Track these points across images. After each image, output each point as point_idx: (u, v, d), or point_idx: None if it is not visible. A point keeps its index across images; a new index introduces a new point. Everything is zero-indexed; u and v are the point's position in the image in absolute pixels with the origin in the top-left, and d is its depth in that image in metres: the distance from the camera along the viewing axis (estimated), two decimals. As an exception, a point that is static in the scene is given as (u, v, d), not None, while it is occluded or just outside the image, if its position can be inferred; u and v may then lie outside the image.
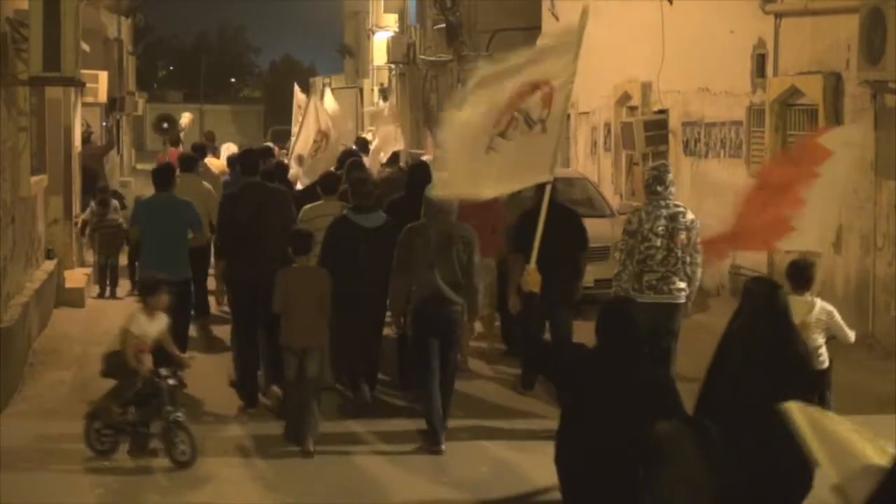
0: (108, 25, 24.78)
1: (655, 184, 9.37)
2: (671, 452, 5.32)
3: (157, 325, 8.85)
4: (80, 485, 8.28)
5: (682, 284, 9.21)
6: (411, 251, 9.05)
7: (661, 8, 16.86)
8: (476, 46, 27.70)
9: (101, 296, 15.66)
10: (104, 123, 25.03)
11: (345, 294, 9.26)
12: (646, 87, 17.82)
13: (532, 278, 6.39)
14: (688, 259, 9.18)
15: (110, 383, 8.93)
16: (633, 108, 18.52)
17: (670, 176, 9.42)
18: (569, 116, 21.81)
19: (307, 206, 11.05)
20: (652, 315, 8.70)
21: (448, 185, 7.38)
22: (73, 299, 14.76)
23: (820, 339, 8.22)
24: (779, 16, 13.86)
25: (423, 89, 32.95)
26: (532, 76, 6.73)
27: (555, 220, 9.37)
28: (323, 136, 14.74)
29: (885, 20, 11.06)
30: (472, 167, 6.89)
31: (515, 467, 8.68)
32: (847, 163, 6.79)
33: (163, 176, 11.28)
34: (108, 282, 15.79)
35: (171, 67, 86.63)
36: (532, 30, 24.63)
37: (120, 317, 13.90)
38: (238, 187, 10.68)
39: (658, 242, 9.13)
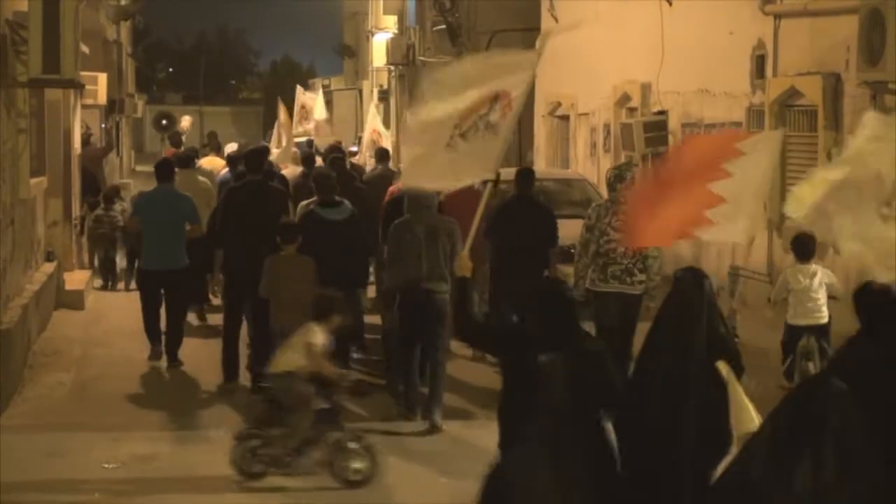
0: (107, 27, 24.77)
1: (616, 181, 10.27)
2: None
3: (324, 342, 8.31)
4: (79, 486, 8.28)
5: (643, 277, 9.98)
6: (401, 245, 9.72)
7: (660, 9, 16.86)
8: (475, 48, 27.67)
9: (104, 287, 16.47)
10: (103, 125, 25.03)
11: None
12: (645, 88, 17.82)
13: (463, 264, 6.72)
14: (647, 252, 9.79)
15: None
16: (632, 109, 18.51)
17: (631, 174, 10.37)
18: (568, 117, 21.85)
19: (303, 203, 11.81)
20: (616, 303, 9.94)
21: (412, 176, 7.96)
22: (72, 301, 14.75)
23: (823, 299, 10.04)
24: (778, 17, 13.86)
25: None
26: (496, 87, 7.22)
27: (527, 215, 10.87)
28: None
29: (884, 21, 11.05)
30: (432, 161, 7.43)
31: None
32: (762, 164, 6.89)
33: (164, 170, 12.03)
34: (109, 275, 16.63)
35: (171, 69, 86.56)
36: (531, 31, 24.59)
37: (119, 319, 14.04)
38: (240, 182, 11.37)
39: (616, 237, 9.65)
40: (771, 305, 10.75)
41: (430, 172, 7.57)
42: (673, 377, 5.70)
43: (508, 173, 11.96)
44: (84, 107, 19.46)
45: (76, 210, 16.79)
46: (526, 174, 11.88)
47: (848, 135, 12.36)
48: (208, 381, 11.23)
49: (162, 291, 11.76)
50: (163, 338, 11.82)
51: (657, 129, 17.01)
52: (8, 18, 11.21)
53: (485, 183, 7.44)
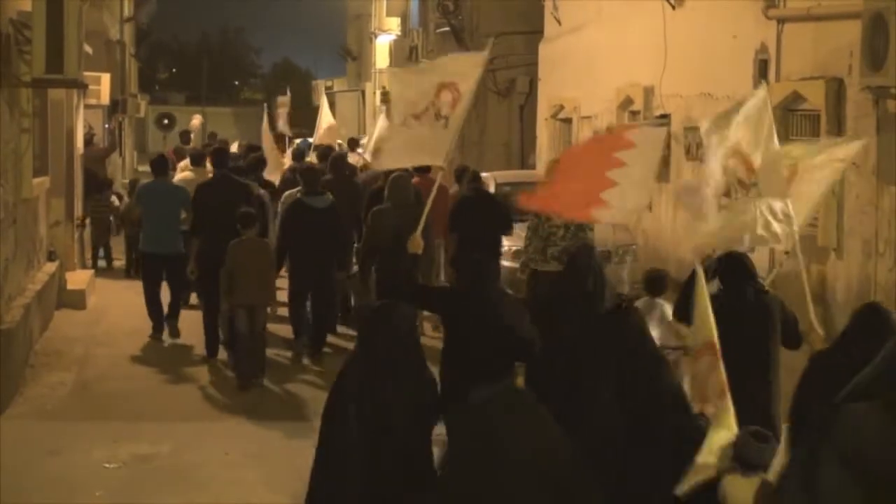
0: (110, 27, 24.80)
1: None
2: None
3: None
4: (80, 486, 8.29)
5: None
6: (380, 232, 10.94)
7: (663, 13, 16.87)
8: (479, 50, 27.68)
9: (94, 266, 17.79)
10: (106, 125, 25.05)
11: (300, 260, 11.86)
12: (648, 92, 17.82)
13: (415, 242, 8.03)
14: (584, 234, 11.10)
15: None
16: (635, 113, 18.52)
17: None
18: (570, 120, 21.85)
19: (288, 192, 13.39)
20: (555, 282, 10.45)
21: (376, 154, 9.50)
22: (74, 301, 14.76)
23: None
24: (781, 21, 13.86)
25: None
26: (445, 78, 8.24)
27: (482, 207, 12.55)
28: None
29: (887, 26, 11.05)
30: (389, 140, 8.50)
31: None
32: (649, 156, 7.93)
33: (160, 164, 13.30)
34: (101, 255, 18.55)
35: (173, 70, 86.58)
36: (534, 34, 24.65)
37: (121, 319, 14.06)
38: (210, 179, 12.85)
39: (558, 222, 10.92)
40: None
41: (388, 150, 8.69)
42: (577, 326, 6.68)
43: (507, 176, 13.08)
44: (87, 107, 19.48)
45: (78, 210, 16.82)
46: (476, 175, 13.33)
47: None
48: (210, 382, 11.25)
49: (163, 275, 12.97)
50: (164, 321, 13.08)
51: (659, 132, 17.00)
52: (11, 18, 11.21)
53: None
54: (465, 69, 8.41)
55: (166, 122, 26.93)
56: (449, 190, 13.16)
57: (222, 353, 11.99)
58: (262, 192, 13.25)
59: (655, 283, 9.59)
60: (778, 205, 7.80)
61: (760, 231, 7.71)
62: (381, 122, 9.75)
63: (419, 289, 7.89)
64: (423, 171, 12.75)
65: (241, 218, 11.17)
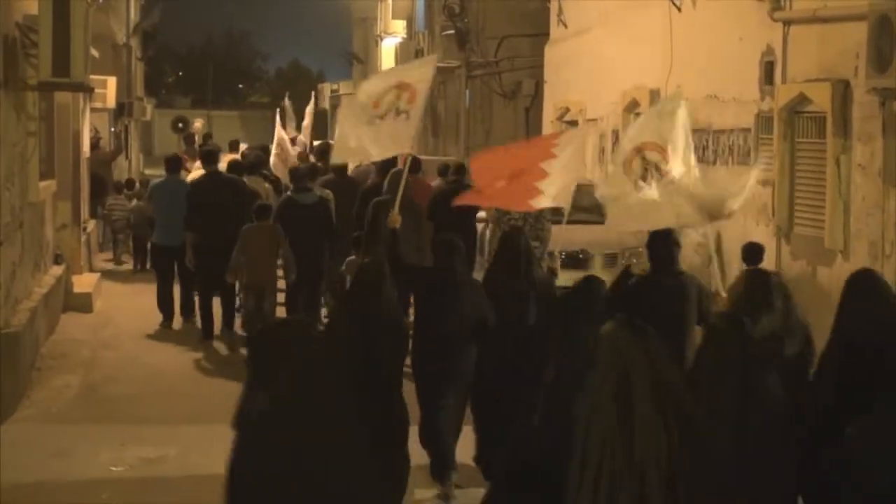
0: (116, 31, 24.84)
1: None
2: None
3: None
4: (87, 489, 8.29)
5: (536, 244, 11.51)
6: (378, 223, 11.41)
7: (669, 15, 16.86)
8: (484, 53, 27.71)
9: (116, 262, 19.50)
10: (112, 129, 25.13)
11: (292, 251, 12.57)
12: (654, 94, 17.80)
13: (393, 218, 9.36)
14: (541, 226, 12.01)
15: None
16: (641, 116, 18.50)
17: None
18: (576, 123, 21.83)
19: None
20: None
21: (343, 150, 10.50)
22: (80, 304, 14.78)
23: None
24: (787, 23, 13.85)
25: (431, 96, 32.91)
26: (400, 79, 9.80)
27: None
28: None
29: (893, 28, 11.03)
30: (356, 137, 9.78)
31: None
32: (575, 147, 9.55)
33: (173, 163, 14.38)
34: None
35: (180, 73, 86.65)
36: (540, 36, 24.64)
37: (127, 322, 14.07)
38: (201, 177, 13.88)
39: (516, 214, 11.69)
40: None
41: (357, 146, 9.94)
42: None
43: None
44: (93, 110, 19.55)
45: (85, 213, 16.87)
46: (460, 167, 14.08)
47: (857, 141, 12.36)
48: (215, 384, 11.25)
49: (174, 266, 13.83)
50: (172, 311, 13.97)
51: (666, 134, 17.00)
52: (18, 21, 11.23)
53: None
54: (419, 73, 10.00)
55: (181, 125, 28.69)
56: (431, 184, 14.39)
57: (224, 353, 12.02)
58: (266, 185, 14.83)
59: (753, 253, 9.71)
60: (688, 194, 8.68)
61: (672, 217, 8.54)
62: (342, 124, 10.53)
63: (400, 266, 8.55)
64: (414, 170, 12.99)
65: (257, 210, 12.39)
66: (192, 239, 12.94)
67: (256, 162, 16.13)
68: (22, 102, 11.60)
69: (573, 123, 22.21)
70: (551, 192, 9.10)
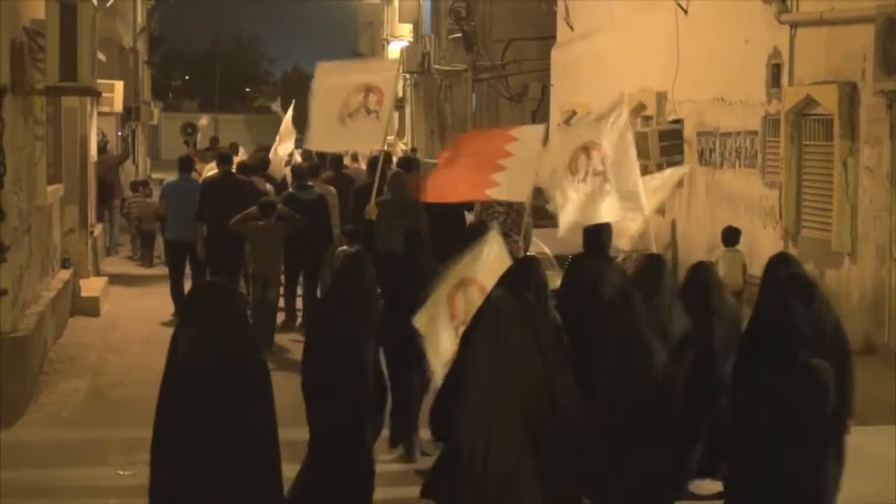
0: (123, 35, 24.88)
1: None
2: None
3: None
4: (94, 493, 8.30)
5: (517, 237, 11.95)
6: (380, 219, 11.74)
7: (675, 18, 16.86)
8: (491, 56, 27.73)
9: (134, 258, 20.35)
10: (119, 133, 25.15)
11: (292, 244, 13.25)
12: (661, 97, 17.81)
13: (370, 210, 10.99)
14: (522, 220, 12.29)
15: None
16: (648, 118, 18.50)
17: None
18: (583, 126, 21.84)
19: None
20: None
21: (316, 140, 11.46)
22: (88, 308, 14.79)
23: None
24: (794, 25, 13.84)
25: (438, 99, 32.98)
26: (368, 81, 10.83)
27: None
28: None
29: (900, 30, 11.03)
30: (329, 132, 10.91)
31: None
32: (530, 147, 9.85)
33: (186, 163, 15.30)
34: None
35: (186, 77, 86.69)
36: (546, 39, 24.66)
37: (135, 326, 14.09)
38: (214, 175, 14.59)
39: (500, 209, 12.08)
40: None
41: (329, 140, 11.23)
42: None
43: None
44: (100, 114, 19.56)
45: (92, 217, 16.92)
46: None
47: (864, 144, 12.35)
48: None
49: (186, 260, 14.39)
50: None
51: (673, 137, 17.00)
52: (25, 26, 11.24)
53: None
54: (383, 76, 11.10)
55: (190, 130, 30.01)
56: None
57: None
58: (268, 186, 15.14)
59: (731, 235, 12.46)
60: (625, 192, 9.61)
61: (607, 212, 9.48)
62: (313, 116, 11.55)
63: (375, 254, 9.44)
64: (410, 169, 14.59)
65: (262, 207, 13.05)
66: (202, 232, 13.68)
67: (260, 164, 16.73)
68: (29, 107, 11.62)
69: (580, 126, 22.22)
70: (507, 184, 9.82)
